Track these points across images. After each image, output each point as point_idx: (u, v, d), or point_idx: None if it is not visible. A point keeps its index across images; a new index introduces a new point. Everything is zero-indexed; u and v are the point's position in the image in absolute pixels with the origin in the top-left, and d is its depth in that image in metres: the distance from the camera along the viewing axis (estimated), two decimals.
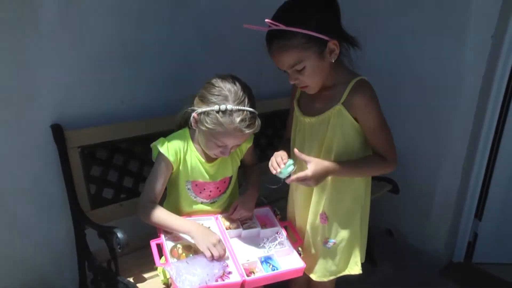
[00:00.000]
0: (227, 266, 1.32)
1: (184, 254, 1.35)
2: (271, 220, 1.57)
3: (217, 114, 1.30)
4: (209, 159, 1.47)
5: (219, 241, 1.31)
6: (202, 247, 1.29)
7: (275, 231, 1.51)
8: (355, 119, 1.32)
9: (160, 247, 1.37)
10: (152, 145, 1.43)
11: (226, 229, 1.48)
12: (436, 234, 2.43)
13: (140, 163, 1.78)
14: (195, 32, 1.89)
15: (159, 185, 1.40)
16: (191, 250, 1.38)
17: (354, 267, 1.48)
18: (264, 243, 1.46)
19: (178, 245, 1.38)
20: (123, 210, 1.72)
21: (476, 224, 2.44)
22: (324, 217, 1.44)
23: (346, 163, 1.33)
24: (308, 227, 1.49)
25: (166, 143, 1.40)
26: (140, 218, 1.39)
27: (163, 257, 1.36)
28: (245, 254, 1.40)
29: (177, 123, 1.51)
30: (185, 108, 1.46)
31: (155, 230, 1.49)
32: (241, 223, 1.52)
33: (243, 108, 1.31)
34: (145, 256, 1.47)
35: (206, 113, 1.32)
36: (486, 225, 2.41)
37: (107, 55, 1.65)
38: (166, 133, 1.77)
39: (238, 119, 1.29)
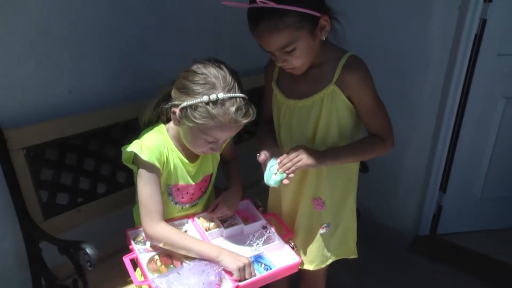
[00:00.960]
0: (223, 270, 1.23)
1: (163, 265, 1.26)
2: (253, 214, 1.49)
3: (208, 106, 1.17)
4: (191, 157, 1.36)
5: (250, 264, 1.23)
6: (232, 268, 1.20)
7: (260, 225, 1.44)
8: (349, 99, 1.27)
9: (133, 261, 1.27)
10: (124, 149, 1.28)
11: (206, 230, 1.38)
12: (403, 211, 2.49)
13: (97, 160, 1.63)
14: (148, 10, 1.74)
15: (159, 199, 1.27)
16: (171, 260, 1.28)
17: (350, 251, 1.49)
18: (251, 240, 1.38)
19: (156, 256, 1.28)
20: (81, 217, 1.57)
21: (440, 197, 2.52)
22: (321, 203, 1.41)
23: (343, 148, 1.30)
24: (301, 216, 1.45)
25: (144, 146, 1.25)
26: (156, 244, 1.29)
27: (137, 271, 1.28)
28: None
29: (144, 121, 1.37)
30: (153, 103, 1.33)
31: (121, 235, 1.38)
32: (221, 221, 1.43)
33: (235, 95, 1.19)
34: (115, 266, 1.36)
35: (193, 107, 1.19)
36: (449, 197, 2.50)
37: (47, 36, 1.46)
38: (123, 125, 1.65)
39: (232, 109, 1.17)
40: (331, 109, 1.28)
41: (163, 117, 1.34)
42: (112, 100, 1.68)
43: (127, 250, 1.30)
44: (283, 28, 1.12)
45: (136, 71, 1.77)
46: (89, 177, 1.59)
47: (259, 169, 1.32)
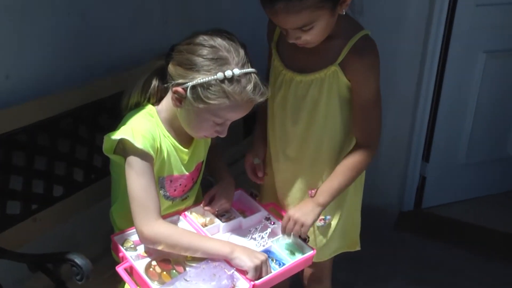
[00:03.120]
0: (235, 272, 1.29)
1: (164, 272, 1.29)
2: (249, 205, 1.57)
3: (223, 85, 1.22)
4: (185, 143, 1.41)
5: (267, 260, 1.29)
6: (249, 266, 1.25)
7: (262, 217, 1.52)
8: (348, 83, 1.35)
9: (128, 272, 1.29)
10: (108, 137, 1.29)
11: (203, 226, 1.45)
12: (385, 186, 2.70)
13: (49, 157, 1.61)
14: None
15: (155, 193, 1.29)
16: (171, 264, 1.32)
17: (353, 244, 1.60)
18: (253, 234, 1.45)
19: (153, 263, 1.32)
20: (39, 226, 1.55)
21: (423, 167, 2.78)
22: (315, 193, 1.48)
23: (333, 182, 1.41)
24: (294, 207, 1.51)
25: (137, 132, 1.27)
26: (153, 247, 1.30)
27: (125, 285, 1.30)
28: None
29: (130, 104, 1.39)
30: (141, 81, 1.36)
31: (93, 243, 1.43)
32: (217, 216, 1.50)
33: (249, 70, 1.25)
34: (95, 281, 1.37)
35: (205, 85, 1.23)
36: (433, 166, 2.76)
37: None
38: (75, 114, 1.64)
39: (249, 87, 1.24)
40: (332, 92, 1.35)
41: (153, 98, 1.37)
42: (57, 85, 1.66)
43: (103, 257, 1.34)
44: (303, 9, 1.18)
45: (83, 49, 1.75)
46: (42, 178, 1.58)
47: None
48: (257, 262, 1.25)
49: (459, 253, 2.50)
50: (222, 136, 1.36)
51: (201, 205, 1.49)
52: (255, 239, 1.43)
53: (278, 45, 1.44)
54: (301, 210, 1.39)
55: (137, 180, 1.27)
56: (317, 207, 1.41)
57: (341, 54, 1.30)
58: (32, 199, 1.55)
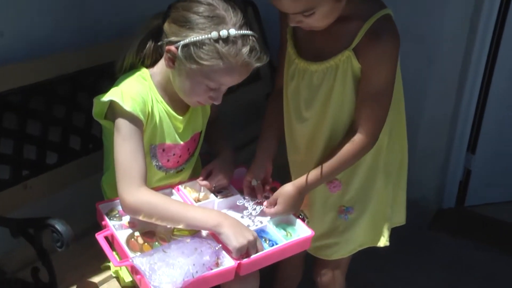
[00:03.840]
0: (222, 248, 1.28)
1: (146, 244, 1.31)
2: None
3: (217, 44, 1.23)
4: (179, 110, 1.41)
5: (256, 240, 1.27)
6: (232, 245, 1.24)
7: (260, 197, 1.51)
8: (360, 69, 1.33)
9: (109, 240, 1.32)
10: (97, 99, 1.32)
11: (196, 201, 1.45)
12: (423, 179, 2.54)
13: (43, 122, 1.63)
14: None
15: (142, 159, 1.30)
16: (155, 237, 1.34)
17: (380, 238, 1.56)
18: (249, 211, 1.46)
19: (136, 233, 1.33)
20: (29, 193, 1.58)
21: (468, 159, 2.65)
22: (337, 184, 1.48)
23: (318, 170, 1.39)
24: (312, 204, 1.53)
25: (126, 95, 1.29)
26: (136, 217, 1.31)
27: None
28: None
29: (124, 67, 1.41)
30: (136, 41, 1.37)
31: (83, 214, 1.44)
32: (213, 193, 1.50)
33: (247, 32, 1.25)
34: (80, 251, 1.43)
35: (199, 44, 1.24)
36: (480, 159, 2.62)
37: None
38: (76, 78, 1.65)
39: (245, 49, 1.25)
40: (347, 80, 1.34)
41: (148, 60, 1.38)
42: (56, 44, 1.67)
43: (97, 229, 1.35)
44: None
45: (89, 8, 1.76)
46: (35, 143, 1.60)
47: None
48: (243, 242, 1.24)
49: (503, 259, 2.37)
50: (217, 103, 1.35)
51: (198, 179, 1.49)
52: (252, 214, 1.45)
53: (294, 30, 1.43)
54: (288, 201, 1.41)
55: (123, 145, 1.28)
56: (300, 197, 1.42)
57: (356, 37, 1.29)
58: (23, 164, 1.58)
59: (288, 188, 1.40)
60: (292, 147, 1.54)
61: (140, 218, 1.29)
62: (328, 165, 1.38)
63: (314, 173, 1.39)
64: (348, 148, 1.37)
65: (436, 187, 2.65)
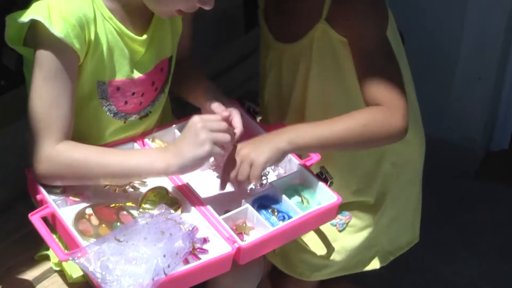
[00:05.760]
0: (196, 230, 1.09)
1: (103, 225, 1.12)
2: (245, 128, 1.34)
3: None
4: (137, 28, 1.24)
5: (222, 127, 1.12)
6: (193, 152, 1.08)
7: None
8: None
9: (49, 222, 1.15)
10: (11, 18, 1.12)
11: None
12: (466, 114, 2.31)
13: None
14: None
15: (67, 108, 1.13)
16: (115, 213, 1.14)
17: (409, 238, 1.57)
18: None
19: (88, 211, 1.14)
20: None
21: None
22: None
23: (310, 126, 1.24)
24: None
25: (55, 12, 1.09)
26: (56, 183, 1.16)
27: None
28: (220, 201, 1.21)
29: None
30: None
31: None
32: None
33: None
34: (3, 233, 1.30)
35: None
36: None
37: None
38: None
39: None
40: (325, 59, 1.32)
41: None
42: None
43: (27, 200, 1.23)
44: None
45: None
46: None
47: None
48: (202, 153, 1.09)
49: None
50: (208, 7, 1.16)
51: (173, 126, 1.34)
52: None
53: (265, 12, 1.43)
54: (254, 144, 1.19)
55: (43, 86, 1.11)
56: (279, 148, 1.18)
57: (324, 5, 1.29)
58: None
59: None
60: None
61: (60, 183, 1.16)
62: (335, 123, 1.22)
63: (314, 129, 1.21)
64: (374, 117, 1.22)
65: (484, 124, 2.37)
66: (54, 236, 1.11)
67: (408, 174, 1.49)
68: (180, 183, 1.19)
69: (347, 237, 1.43)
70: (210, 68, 1.86)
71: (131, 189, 1.20)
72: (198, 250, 1.07)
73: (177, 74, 1.37)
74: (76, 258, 1.00)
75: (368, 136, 1.22)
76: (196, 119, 1.10)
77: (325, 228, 1.38)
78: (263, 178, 1.20)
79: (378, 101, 1.22)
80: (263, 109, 1.50)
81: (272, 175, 1.26)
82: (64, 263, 1.20)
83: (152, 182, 1.19)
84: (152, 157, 1.14)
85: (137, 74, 1.23)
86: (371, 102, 1.23)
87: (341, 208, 1.37)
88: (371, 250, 1.49)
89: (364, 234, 1.45)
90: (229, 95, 1.40)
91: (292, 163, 1.26)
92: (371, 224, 1.45)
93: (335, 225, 1.42)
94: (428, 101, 2.08)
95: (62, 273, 1.24)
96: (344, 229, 1.43)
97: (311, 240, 1.42)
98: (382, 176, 1.43)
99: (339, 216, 1.41)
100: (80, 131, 1.22)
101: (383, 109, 1.21)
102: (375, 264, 1.50)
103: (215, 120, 1.14)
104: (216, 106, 1.27)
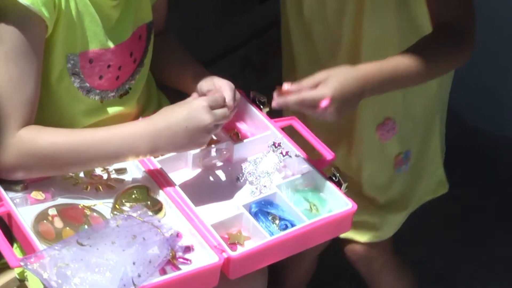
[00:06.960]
0: (179, 236, 1.01)
1: (67, 228, 1.03)
2: (249, 120, 1.30)
3: None
4: None
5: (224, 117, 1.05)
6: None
7: (266, 142, 1.20)
8: None
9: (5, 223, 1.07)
10: None
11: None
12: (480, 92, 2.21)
13: None
14: None
15: (32, 86, 1.05)
16: (83, 214, 1.06)
17: (439, 187, 1.52)
18: (248, 171, 1.16)
19: (51, 211, 1.05)
20: None
21: None
22: (390, 125, 1.37)
23: (394, 60, 1.17)
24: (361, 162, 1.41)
25: None
26: (22, 177, 1.07)
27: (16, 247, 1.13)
28: (213, 205, 1.12)
29: None
30: None
31: None
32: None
33: None
34: None
35: None
36: None
37: None
38: None
39: None
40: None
41: None
42: None
43: None
44: None
45: None
46: None
47: None
48: (201, 146, 1.08)
49: None
50: None
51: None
52: (249, 174, 1.14)
53: None
54: (343, 97, 1.08)
55: (3, 67, 1.03)
56: (355, 107, 1.17)
57: None
58: None
59: (345, 69, 1.12)
60: None
61: (28, 175, 1.07)
62: (417, 61, 1.14)
63: (388, 63, 1.15)
64: (447, 43, 1.17)
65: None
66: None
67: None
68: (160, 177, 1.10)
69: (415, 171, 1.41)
70: (217, 43, 1.84)
71: (105, 187, 1.10)
72: (179, 259, 0.97)
73: (157, 55, 1.30)
74: (29, 263, 0.91)
75: (443, 66, 1.22)
76: (199, 102, 1.04)
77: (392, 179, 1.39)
78: (266, 179, 1.13)
79: (447, 20, 1.20)
80: (296, 65, 1.39)
81: (277, 177, 1.15)
82: (28, 273, 1.10)
83: (131, 179, 1.10)
84: (135, 140, 1.06)
85: (112, 44, 1.15)
86: (439, 21, 1.21)
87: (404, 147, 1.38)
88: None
89: None
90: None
91: (301, 163, 1.16)
92: None
93: (402, 171, 1.42)
94: (469, 84, 2.01)
95: (23, 284, 1.17)
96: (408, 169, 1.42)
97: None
98: None
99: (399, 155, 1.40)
100: (50, 116, 1.14)
101: (454, 35, 1.19)
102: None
103: (221, 104, 1.07)
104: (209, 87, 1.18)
